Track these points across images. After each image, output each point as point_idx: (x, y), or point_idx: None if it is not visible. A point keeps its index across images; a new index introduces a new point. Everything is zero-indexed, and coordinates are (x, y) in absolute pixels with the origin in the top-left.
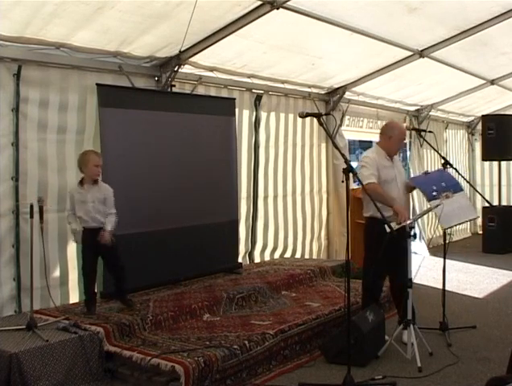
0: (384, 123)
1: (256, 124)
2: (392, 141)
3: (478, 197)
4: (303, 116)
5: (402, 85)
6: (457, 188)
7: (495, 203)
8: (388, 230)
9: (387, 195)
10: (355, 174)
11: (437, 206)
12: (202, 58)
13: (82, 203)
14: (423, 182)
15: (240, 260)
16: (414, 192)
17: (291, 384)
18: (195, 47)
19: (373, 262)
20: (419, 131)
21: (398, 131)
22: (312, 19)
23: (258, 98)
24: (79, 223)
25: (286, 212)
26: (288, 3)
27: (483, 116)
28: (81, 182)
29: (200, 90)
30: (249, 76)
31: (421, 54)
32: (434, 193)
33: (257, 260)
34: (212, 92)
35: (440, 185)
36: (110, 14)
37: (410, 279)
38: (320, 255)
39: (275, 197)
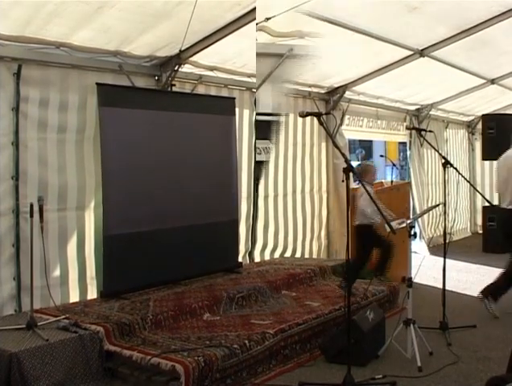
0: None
1: (256, 123)
2: None
3: (478, 196)
4: (304, 115)
5: (403, 85)
6: None
7: (495, 202)
8: (388, 230)
9: None
10: (355, 174)
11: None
12: (202, 57)
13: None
14: None
15: (240, 259)
16: (414, 192)
17: (291, 384)
18: (195, 47)
19: None
20: (419, 130)
21: None
22: (313, 19)
23: None
24: None
25: (287, 212)
26: None
27: (483, 115)
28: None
29: (201, 89)
30: (250, 76)
31: (421, 53)
32: None
33: (257, 259)
34: (213, 92)
35: None
36: (110, 14)
37: (410, 278)
38: (320, 254)
39: (275, 196)
